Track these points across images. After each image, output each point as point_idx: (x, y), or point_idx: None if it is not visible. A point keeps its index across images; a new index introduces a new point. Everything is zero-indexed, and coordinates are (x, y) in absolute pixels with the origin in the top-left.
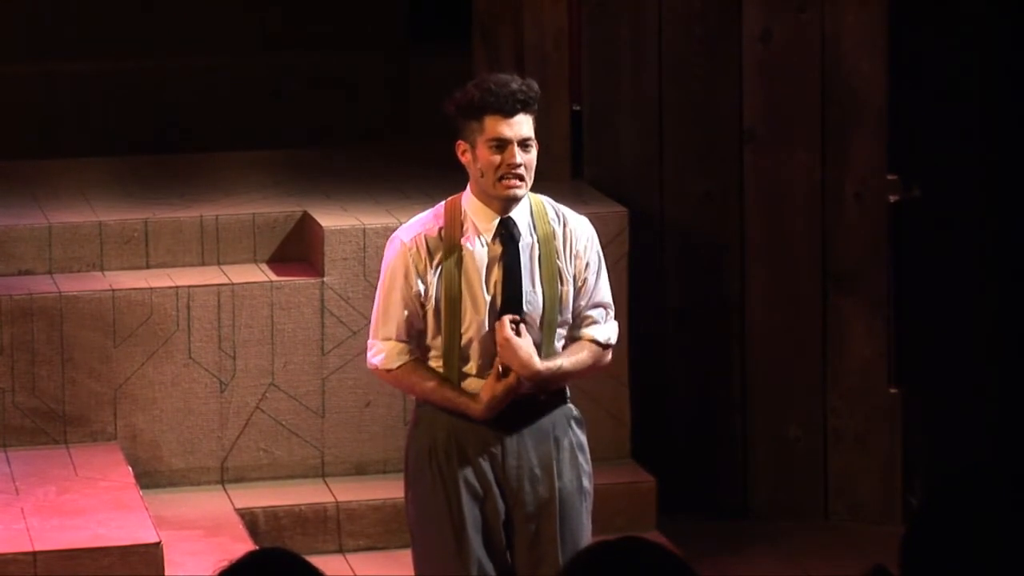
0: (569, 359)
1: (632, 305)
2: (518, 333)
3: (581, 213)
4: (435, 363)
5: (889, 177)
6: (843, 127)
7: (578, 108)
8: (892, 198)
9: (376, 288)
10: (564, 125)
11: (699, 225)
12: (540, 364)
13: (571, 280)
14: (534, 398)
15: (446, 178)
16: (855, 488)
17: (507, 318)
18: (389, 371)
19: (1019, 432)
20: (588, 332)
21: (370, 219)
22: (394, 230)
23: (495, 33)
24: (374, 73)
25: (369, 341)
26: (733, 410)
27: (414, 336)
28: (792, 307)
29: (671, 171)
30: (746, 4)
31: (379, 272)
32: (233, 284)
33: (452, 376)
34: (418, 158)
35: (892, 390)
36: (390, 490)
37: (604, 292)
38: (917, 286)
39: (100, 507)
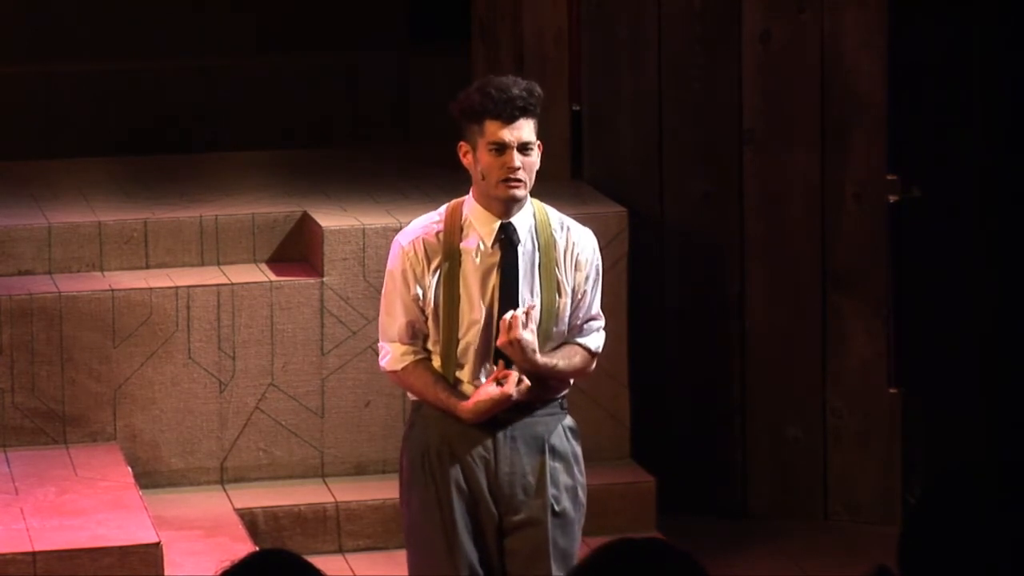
0: (564, 360)
1: (632, 305)
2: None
3: (581, 213)
4: (435, 364)
5: (889, 177)
6: (843, 127)
7: (578, 108)
8: (892, 198)
9: (381, 288)
10: (564, 125)
11: (699, 225)
12: (540, 358)
13: (570, 292)
14: (530, 406)
15: (445, 178)
16: (855, 488)
17: (520, 310)
18: (395, 372)
19: (1018, 432)
20: (581, 340)
21: (370, 219)
22: (393, 230)
23: (495, 33)
24: (374, 73)
25: (379, 343)
26: (733, 410)
27: (419, 338)
28: (792, 307)
29: (671, 171)
30: (746, 4)
31: (379, 272)
32: (233, 284)
33: (448, 380)
34: (418, 158)
35: (892, 390)
36: (389, 490)
37: (598, 305)
38: (917, 286)
39: (99, 507)
